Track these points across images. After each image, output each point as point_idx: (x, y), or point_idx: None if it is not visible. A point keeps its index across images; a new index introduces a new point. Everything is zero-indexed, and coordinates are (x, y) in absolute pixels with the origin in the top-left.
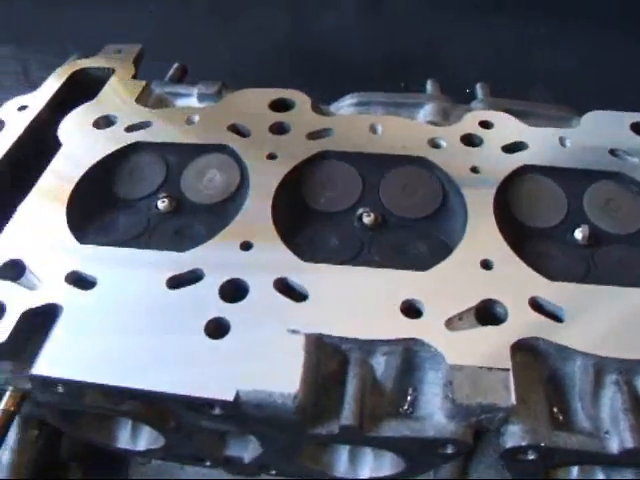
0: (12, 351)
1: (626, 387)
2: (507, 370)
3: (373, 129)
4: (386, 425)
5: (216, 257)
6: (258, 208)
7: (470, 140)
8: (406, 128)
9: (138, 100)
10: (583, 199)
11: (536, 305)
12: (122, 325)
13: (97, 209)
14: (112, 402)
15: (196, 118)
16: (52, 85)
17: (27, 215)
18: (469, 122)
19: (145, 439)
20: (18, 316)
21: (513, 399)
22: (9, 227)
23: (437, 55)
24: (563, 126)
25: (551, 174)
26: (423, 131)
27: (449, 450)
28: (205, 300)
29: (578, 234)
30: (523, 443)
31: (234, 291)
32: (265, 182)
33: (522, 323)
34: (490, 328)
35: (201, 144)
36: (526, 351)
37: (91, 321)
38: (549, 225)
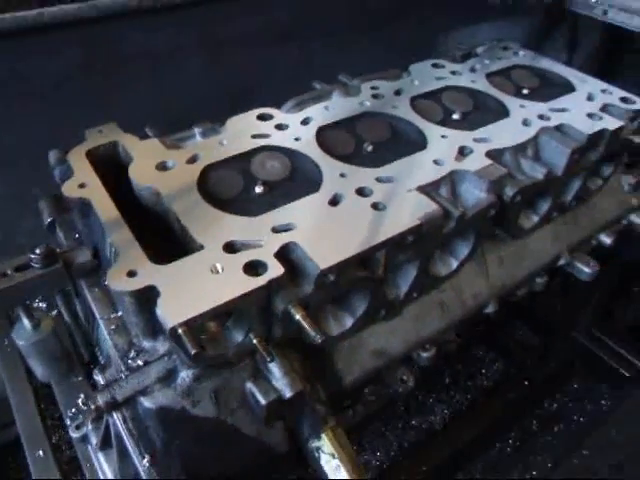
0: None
1: None
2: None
3: (327, 108)
4: None
5: (343, 187)
6: (330, 166)
7: (376, 97)
8: (345, 103)
9: (168, 148)
10: None
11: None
12: (327, 224)
13: (220, 208)
14: (357, 271)
15: (225, 141)
16: (83, 165)
17: (201, 223)
18: (365, 91)
19: (351, 314)
20: (274, 258)
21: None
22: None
23: (262, 81)
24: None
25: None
26: (355, 102)
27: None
28: (352, 203)
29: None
30: None
31: (362, 194)
32: (310, 150)
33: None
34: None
35: (248, 150)
36: None
37: (319, 235)
38: None
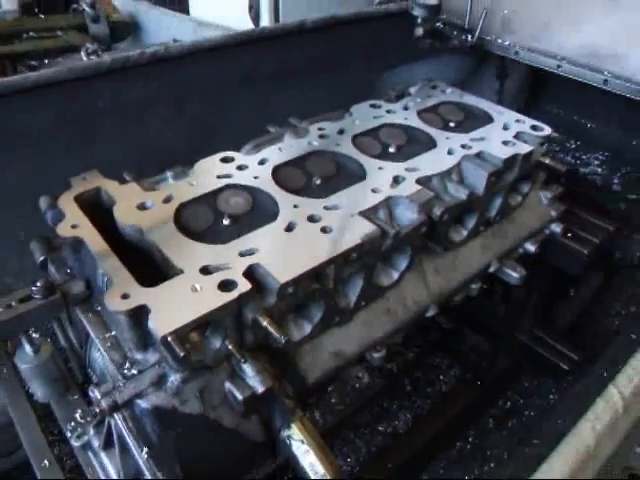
0: (252, 295)
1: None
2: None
3: (280, 149)
4: None
5: (296, 216)
6: (285, 199)
7: (323, 137)
8: (296, 143)
9: (145, 190)
10: None
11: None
12: (284, 247)
13: (194, 238)
14: (311, 284)
15: (194, 182)
16: (73, 208)
17: (179, 252)
18: (313, 132)
19: (309, 321)
20: (242, 277)
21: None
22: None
23: (222, 126)
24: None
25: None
26: (304, 142)
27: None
28: (304, 228)
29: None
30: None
31: (312, 220)
32: (267, 186)
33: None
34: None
35: (215, 189)
36: None
37: (278, 256)
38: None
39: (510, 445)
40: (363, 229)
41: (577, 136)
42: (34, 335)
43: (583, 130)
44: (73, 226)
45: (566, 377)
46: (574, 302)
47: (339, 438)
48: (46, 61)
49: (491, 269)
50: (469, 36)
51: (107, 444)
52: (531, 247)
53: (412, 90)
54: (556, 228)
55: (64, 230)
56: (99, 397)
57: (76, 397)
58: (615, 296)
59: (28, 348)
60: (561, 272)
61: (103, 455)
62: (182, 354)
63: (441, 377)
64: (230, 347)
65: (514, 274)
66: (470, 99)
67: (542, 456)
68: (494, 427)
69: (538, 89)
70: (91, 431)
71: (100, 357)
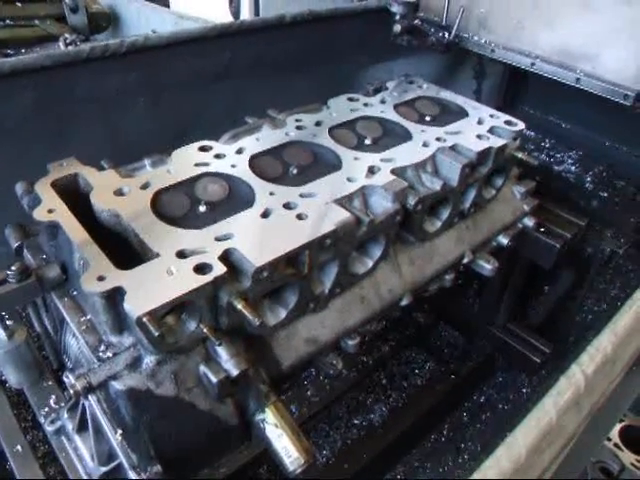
0: (227, 279)
1: None
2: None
3: (258, 139)
4: None
5: (272, 203)
6: (261, 186)
7: (300, 128)
8: (274, 134)
9: (122, 177)
10: None
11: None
12: (260, 233)
13: (171, 224)
14: (286, 269)
15: (172, 170)
16: (50, 193)
17: (156, 236)
18: (290, 124)
19: (284, 307)
20: (218, 261)
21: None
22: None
23: (199, 118)
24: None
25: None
26: (282, 133)
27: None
28: (280, 215)
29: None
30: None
31: (288, 208)
32: (244, 174)
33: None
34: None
35: (192, 177)
36: None
37: (253, 241)
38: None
39: (484, 438)
40: (338, 216)
41: (552, 136)
42: (8, 321)
43: (558, 131)
44: (50, 210)
45: (539, 371)
46: (547, 298)
47: (315, 430)
48: (23, 50)
49: (465, 260)
50: (446, 33)
51: (81, 427)
52: (504, 240)
53: (389, 85)
54: (529, 222)
55: (40, 214)
56: (73, 380)
57: (50, 383)
58: (587, 293)
59: (2, 333)
60: (535, 269)
61: (77, 438)
62: (157, 333)
63: (416, 371)
64: (205, 330)
65: (487, 266)
66: (446, 94)
67: None
68: (468, 420)
69: (515, 92)
70: (65, 415)
71: (75, 342)
